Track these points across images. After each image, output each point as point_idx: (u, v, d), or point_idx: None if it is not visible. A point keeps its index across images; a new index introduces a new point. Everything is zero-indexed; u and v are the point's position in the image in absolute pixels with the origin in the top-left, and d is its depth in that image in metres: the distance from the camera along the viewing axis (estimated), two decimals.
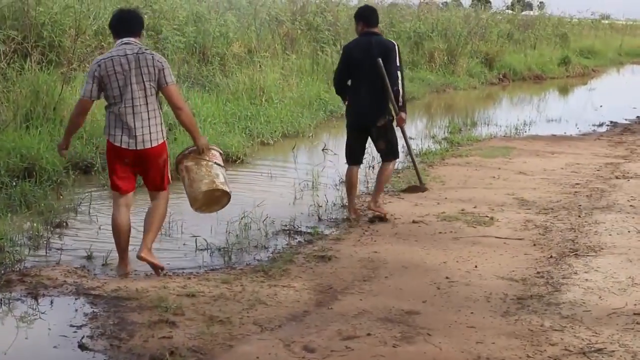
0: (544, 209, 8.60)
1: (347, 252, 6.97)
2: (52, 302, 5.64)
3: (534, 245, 7.27)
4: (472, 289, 6.07)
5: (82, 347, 4.89)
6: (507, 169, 10.91)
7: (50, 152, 9.13)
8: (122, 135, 6.01)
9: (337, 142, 12.44)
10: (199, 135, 6.31)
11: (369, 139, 8.08)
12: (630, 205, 8.79)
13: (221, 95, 13.82)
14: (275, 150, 12.16)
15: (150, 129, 6.04)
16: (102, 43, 13.10)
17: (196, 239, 7.12)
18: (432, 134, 14.08)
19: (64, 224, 7.57)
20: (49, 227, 7.46)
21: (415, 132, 14.13)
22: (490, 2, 38.09)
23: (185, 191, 6.42)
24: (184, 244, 7.17)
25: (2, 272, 6.14)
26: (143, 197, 6.99)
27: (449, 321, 5.42)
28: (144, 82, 5.98)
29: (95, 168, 9.41)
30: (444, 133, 14.35)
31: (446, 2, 33.41)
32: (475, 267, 6.61)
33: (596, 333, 5.22)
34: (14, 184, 8.40)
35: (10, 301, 5.63)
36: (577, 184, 9.95)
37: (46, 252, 6.78)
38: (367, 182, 9.76)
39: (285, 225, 7.80)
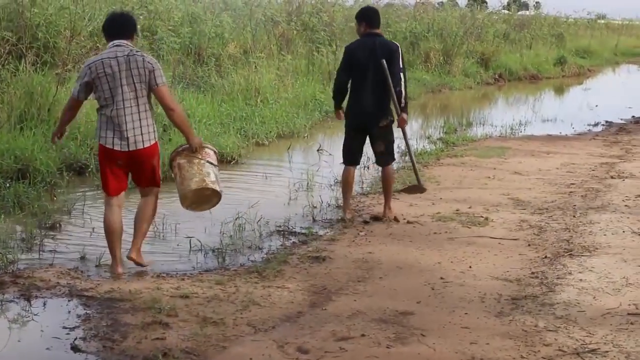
0: (539, 209, 8.60)
1: (341, 253, 6.96)
2: (45, 304, 5.62)
3: (529, 245, 7.27)
4: (467, 289, 6.07)
5: (74, 348, 4.88)
6: (502, 169, 10.91)
7: (44, 154, 9.12)
8: (113, 137, 6.05)
9: (333, 143, 12.42)
10: (192, 134, 6.34)
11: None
12: (625, 205, 8.79)
13: (216, 96, 13.81)
14: (270, 150, 12.15)
15: (142, 130, 6.07)
16: (97, 44, 13.04)
17: (190, 240, 7.10)
18: (427, 134, 14.09)
19: (58, 225, 7.56)
20: (42, 228, 7.44)
21: (411, 132, 13.99)
22: (486, 2, 38.10)
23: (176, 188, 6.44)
24: (177, 245, 7.15)
25: None
26: (135, 198, 6.96)
27: (443, 322, 5.41)
28: (134, 83, 6.01)
29: (89, 169, 9.39)
30: (440, 133, 14.36)
31: (442, 2, 33.39)
32: (470, 267, 6.61)
33: (590, 333, 5.22)
34: (8, 185, 8.37)
35: (3, 303, 5.61)
36: (572, 184, 9.95)
37: (39, 254, 6.75)
38: (362, 182, 9.75)
39: (280, 226, 7.79)
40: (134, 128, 6.04)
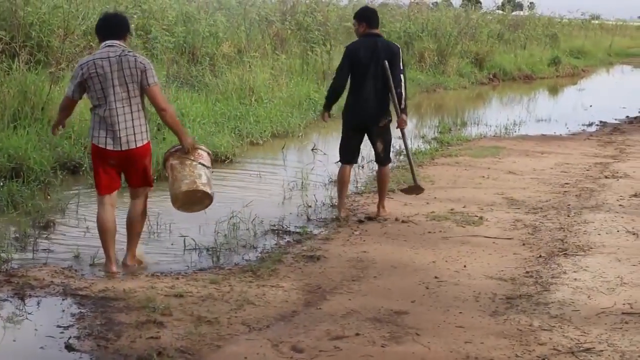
0: (533, 208, 8.61)
1: (336, 252, 6.95)
2: (39, 303, 5.61)
3: (523, 244, 7.27)
4: (461, 288, 6.07)
5: (68, 347, 4.86)
6: (496, 168, 10.91)
7: (37, 152, 9.11)
8: (106, 137, 6.07)
9: (327, 142, 12.44)
10: (184, 134, 6.35)
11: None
12: (619, 205, 8.79)
13: (210, 95, 13.79)
14: (265, 150, 12.13)
15: (135, 130, 6.09)
16: (91, 43, 13.02)
17: (184, 239, 7.09)
18: (422, 134, 14.08)
19: (51, 224, 7.54)
20: (36, 227, 7.42)
21: (406, 131, 14.08)
22: (480, 2, 38.15)
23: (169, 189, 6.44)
24: (172, 244, 7.14)
25: None
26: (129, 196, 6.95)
27: (437, 321, 5.41)
28: (126, 83, 6.03)
29: (83, 168, 9.36)
30: (434, 133, 14.36)
31: (436, 2, 33.46)
32: (464, 266, 6.61)
33: (585, 332, 5.22)
34: (1, 184, 8.36)
35: None
36: (566, 183, 9.96)
37: (33, 253, 6.74)
38: (357, 181, 9.74)
39: (274, 225, 7.78)
40: (126, 128, 6.05)
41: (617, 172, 10.75)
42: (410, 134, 13.78)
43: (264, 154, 11.91)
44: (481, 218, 8.14)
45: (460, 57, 23.87)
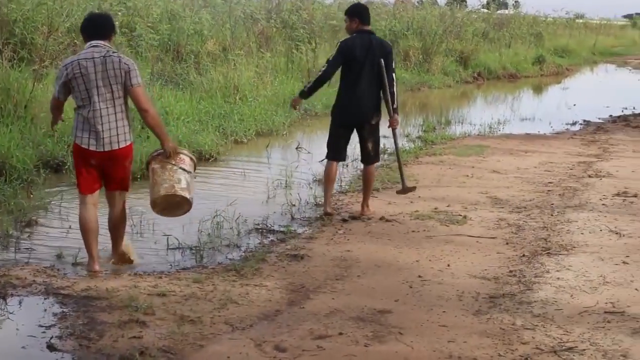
0: (517, 207, 8.63)
1: (319, 251, 6.94)
2: (20, 302, 5.57)
3: (507, 243, 7.28)
4: (445, 287, 6.07)
5: (50, 347, 4.83)
6: (480, 167, 10.94)
7: (20, 151, 9.06)
8: (89, 138, 6.05)
9: (311, 141, 12.43)
10: (166, 138, 6.32)
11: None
12: (603, 204, 8.82)
13: (195, 93, 13.77)
14: (249, 148, 12.12)
15: (118, 131, 6.08)
16: (75, 40, 13.00)
17: (168, 238, 7.07)
18: (406, 133, 14.08)
19: (34, 222, 7.50)
20: (18, 226, 7.38)
21: (388, 130, 14.09)
22: (465, 1, 38.19)
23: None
24: (155, 243, 7.12)
25: None
26: None
27: (421, 320, 5.41)
28: (110, 84, 6.02)
29: (66, 166, 9.31)
30: (418, 131, 14.37)
31: (421, 1, 33.50)
32: (448, 265, 6.61)
33: (567, 332, 5.23)
34: None
35: None
36: (550, 182, 9.99)
37: (15, 252, 6.71)
38: (341, 180, 9.73)
39: (258, 224, 7.77)
40: (110, 129, 6.04)
41: (601, 171, 10.79)
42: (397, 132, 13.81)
43: (248, 152, 11.89)
44: (465, 217, 8.15)
45: (445, 56, 23.93)
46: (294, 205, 8.47)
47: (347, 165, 10.46)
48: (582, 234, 7.63)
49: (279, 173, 9.95)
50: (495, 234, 7.57)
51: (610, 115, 18.02)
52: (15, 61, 11.33)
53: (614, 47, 44.65)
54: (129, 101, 6.17)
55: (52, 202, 8.20)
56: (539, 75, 27.62)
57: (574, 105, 19.40)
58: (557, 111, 18.40)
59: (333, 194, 8.64)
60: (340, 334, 5.12)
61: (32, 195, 8.40)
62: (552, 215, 8.31)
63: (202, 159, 10.47)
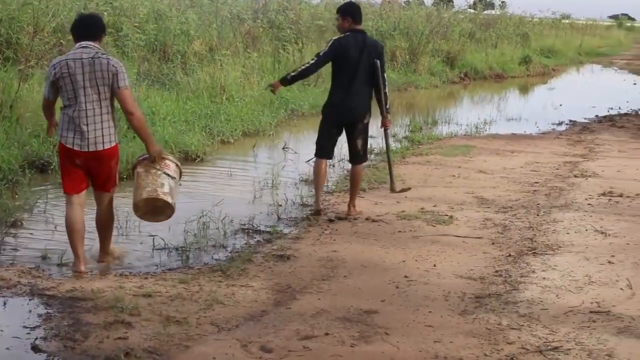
0: (503, 207, 8.64)
1: (306, 251, 6.94)
2: (5, 303, 5.55)
3: (493, 243, 7.30)
4: (431, 287, 6.08)
5: (35, 348, 4.81)
6: (467, 167, 10.95)
7: (5, 151, 9.02)
8: (74, 138, 6.06)
9: (298, 141, 12.43)
10: (151, 141, 6.31)
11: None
12: (588, 204, 8.85)
13: (182, 93, 13.74)
14: (236, 148, 12.09)
15: (103, 132, 6.09)
16: (61, 40, 12.95)
17: (153, 238, 7.05)
18: (393, 133, 14.07)
19: (19, 223, 7.46)
20: (3, 226, 7.34)
21: (377, 130, 14.09)
22: (452, 1, 38.24)
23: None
24: (141, 243, 7.10)
25: None
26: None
27: (407, 320, 5.41)
28: (97, 86, 6.03)
29: (52, 166, 9.27)
30: (405, 132, 14.38)
31: (408, 1, 33.45)
32: (434, 265, 6.62)
33: (553, 331, 5.25)
34: None
35: None
36: (536, 182, 10.01)
37: (0, 252, 6.66)
38: (328, 180, 9.69)
39: (244, 224, 7.75)
40: (95, 130, 6.05)
41: (586, 171, 10.82)
42: (381, 132, 13.73)
43: (234, 152, 11.87)
44: (451, 217, 8.16)
45: (431, 56, 23.96)
46: (281, 205, 8.47)
47: (333, 166, 10.46)
48: (567, 233, 7.66)
49: (265, 173, 9.93)
50: (482, 234, 7.58)
51: (596, 115, 18.08)
52: (0, 61, 11.26)
53: (600, 48, 44.87)
54: (115, 102, 6.17)
55: (38, 203, 8.16)
56: (525, 75, 27.71)
57: (560, 105, 19.47)
58: (543, 111, 18.46)
59: None
60: (327, 334, 5.12)
61: (17, 196, 8.35)
62: (538, 215, 8.33)
63: (189, 159, 10.45)
